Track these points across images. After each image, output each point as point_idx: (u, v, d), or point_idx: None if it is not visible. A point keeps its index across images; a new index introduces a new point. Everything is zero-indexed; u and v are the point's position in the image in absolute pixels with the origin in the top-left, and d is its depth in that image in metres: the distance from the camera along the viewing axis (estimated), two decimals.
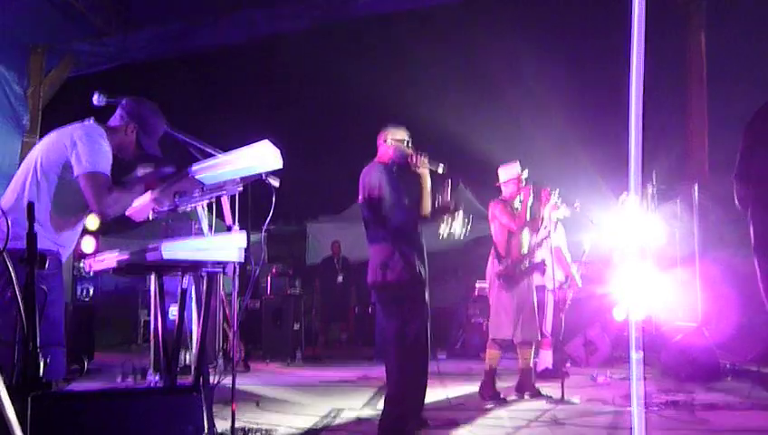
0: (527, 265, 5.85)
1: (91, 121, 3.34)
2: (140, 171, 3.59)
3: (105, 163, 3.21)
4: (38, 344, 1.91)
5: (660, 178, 8.31)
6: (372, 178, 4.37)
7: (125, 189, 3.34)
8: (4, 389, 1.30)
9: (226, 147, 3.47)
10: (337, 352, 10.45)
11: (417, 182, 4.43)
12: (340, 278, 11.02)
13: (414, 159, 4.43)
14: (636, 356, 6.40)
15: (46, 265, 2.20)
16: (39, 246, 3.04)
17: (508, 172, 6.03)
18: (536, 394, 5.82)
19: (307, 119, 15.37)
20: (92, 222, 8.47)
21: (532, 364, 6.01)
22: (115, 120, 3.42)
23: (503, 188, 6.06)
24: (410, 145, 4.57)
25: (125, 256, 3.35)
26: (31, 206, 2.32)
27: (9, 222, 2.20)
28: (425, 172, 4.42)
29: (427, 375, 4.36)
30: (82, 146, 3.15)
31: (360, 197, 4.48)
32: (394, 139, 4.56)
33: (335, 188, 16.75)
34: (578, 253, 7.54)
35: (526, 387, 5.91)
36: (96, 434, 2.55)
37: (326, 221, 15.02)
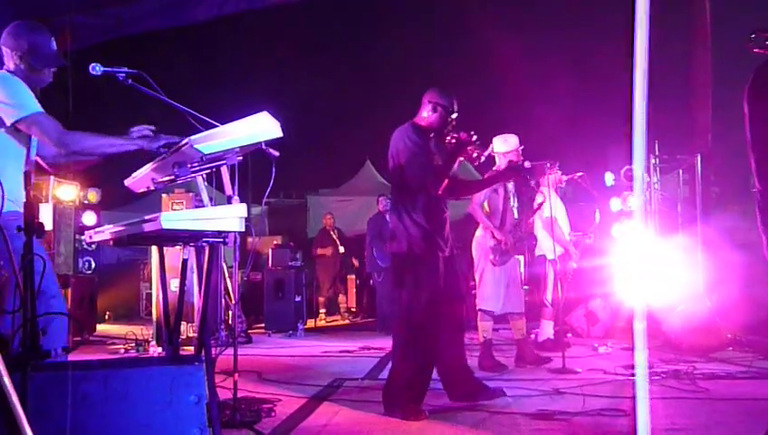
0: (519, 238, 5.87)
1: None
2: (135, 133, 3.53)
3: (33, 101, 3.14)
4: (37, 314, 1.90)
5: (663, 148, 8.25)
6: (401, 140, 4.21)
7: (95, 133, 3.28)
8: (1, 358, 1.28)
9: (226, 119, 3.43)
10: (338, 324, 10.49)
11: (447, 153, 4.30)
12: (341, 249, 11.04)
13: (453, 136, 4.28)
14: (638, 326, 6.44)
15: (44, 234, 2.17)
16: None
17: (507, 143, 5.92)
18: (537, 363, 5.85)
19: (308, 91, 15.26)
20: (93, 195, 8.46)
21: (526, 334, 6.07)
22: (5, 59, 3.32)
23: (498, 159, 5.96)
24: (454, 115, 4.36)
25: (123, 228, 3.33)
26: (28, 174, 2.30)
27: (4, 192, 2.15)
28: (456, 152, 4.25)
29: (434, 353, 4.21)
30: (3, 94, 3.08)
31: (389, 162, 4.33)
32: (439, 103, 4.33)
33: (336, 161, 16.71)
34: (581, 224, 7.52)
35: (526, 357, 5.94)
36: (97, 403, 2.54)
37: (327, 194, 15.03)
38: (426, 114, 4.35)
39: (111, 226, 3.53)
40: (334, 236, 11.12)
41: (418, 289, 4.13)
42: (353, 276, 11.92)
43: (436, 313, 4.13)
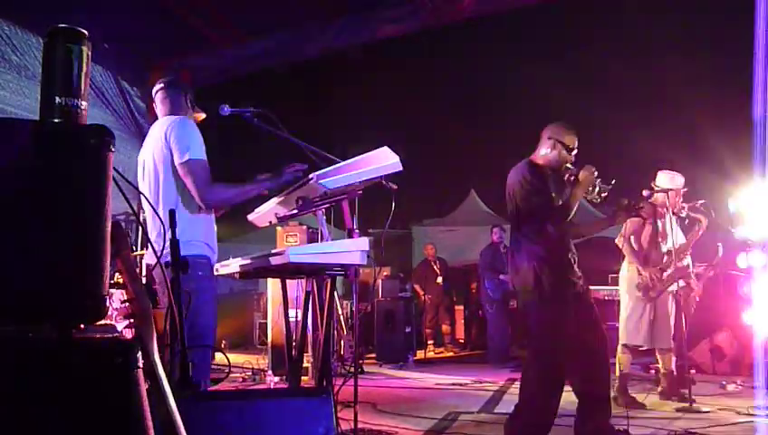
0: (669, 275, 5.73)
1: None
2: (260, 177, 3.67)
3: (199, 149, 3.26)
4: (186, 346, 1.99)
5: None
6: (517, 180, 4.06)
7: (232, 184, 3.42)
8: (169, 388, 1.35)
9: (338, 153, 3.52)
10: (447, 356, 10.43)
11: (564, 191, 4.15)
12: (439, 280, 10.94)
13: (572, 173, 4.10)
14: (759, 361, 6.02)
15: (189, 270, 2.27)
16: (192, 253, 3.13)
17: (673, 182, 5.80)
18: (680, 400, 5.62)
19: (412, 122, 15.41)
20: None
21: (673, 368, 5.94)
22: (174, 105, 3.51)
23: (657, 195, 5.82)
24: (574, 152, 4.19)
25: (251, 261, 3.45)
26: (172, 212, 2.43)
27: (165, 233, 2.28)
28: (578, 191, 4.04)
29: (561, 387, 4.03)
30: (175, 135, 3.23)
31: (507, 200, 4.20)
32: (559, 140, 4.16)
33: (440, 192, 16.71)
34: (703, 254, 7.15)
35: (672, 392, 5.83)
36: (233, 432, 2.63)
37: (431, 224, 15.02)
38: (544, 152, 4.18)
39: (239, 259, 3.67)
40: (436, 268, 11.05)
41: (544, 327, 4.01)
42: (461, 307, 11.81)
43: (564, 350, 3.99)
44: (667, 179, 5.84)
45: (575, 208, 4.09)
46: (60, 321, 1.26)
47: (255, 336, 11.06)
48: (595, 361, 4.11)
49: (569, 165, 4.19)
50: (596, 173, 4.08)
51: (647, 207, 5.48)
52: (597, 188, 4.11)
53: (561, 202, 4.09)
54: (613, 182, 4.17)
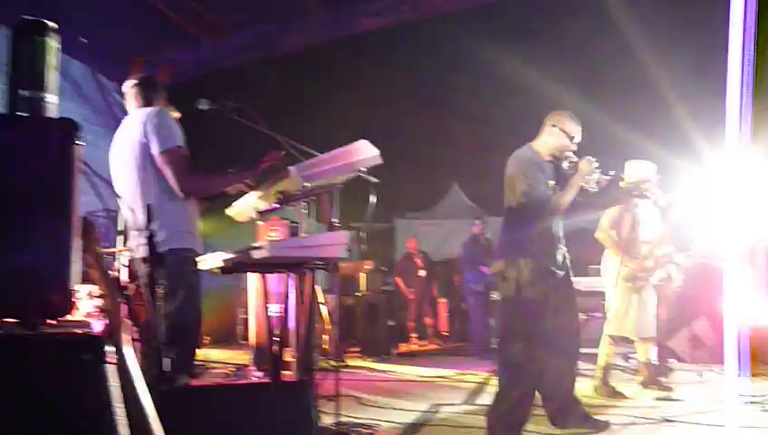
0: (655, 263, 5.77)
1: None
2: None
3: (177, 137, 3.29)
4: (162, 342, 1.98)
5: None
6: (516, 167, 4.05)
7: (210, 174, 3.43)
8: (144, 385, 1.34)
9: (318, 145, 3.52)
10: (430, 349, 10.44)
11: (567, 182, 4.12)
12: (421, 273, 10.92)
13: (572, 162, 4.10)
14: (730, 348, 6.09)
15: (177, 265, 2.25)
16: (179, 245, 3.16)
17: (642, 171, 5.77)
18: (660, 389, 5.69)
19: (394, 115, 15.36)
20: None
21: (654, 358, 5.93)
22: (148, 101, 3.55)
23: (627, 186, 5.83)
24: (576, 142, 4.18)
25: (231, 256, 3.44)
26: (150, 207, 2.42)
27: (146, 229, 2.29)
28: (577, 181, 4.04)
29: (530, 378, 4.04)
30: (153, 125, 3.26)
31: (505, 185, 4.18)
32: (562, 128, 4.15)
33: (422, 185, 16.67)
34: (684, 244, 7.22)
35: (652, 381, 5.84)
36: (214, 426, 2.62)
37: (414, 218, 15.04)
38: (546, 139, 4.18)
39: (219, 253, 3.65)
40: (418, 261, 11.04)
41: (520, 316, 4.04)
42: (445, 300, 11.83)
43: (539, 342, 4.02)
44: (640, 169, 5.78)
45: (572, 198, 4.10)
46: (26, 317, 1.25)
47: (238, 332, 11.01)
48: (563, 353, 4.15)
49: (570, 154, 4.20)
50: (596, 164, 4.11)
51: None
52: (596, 178, 4.13)
53: (557, 192, 4.12)
54: (612, 173, 4.20)
